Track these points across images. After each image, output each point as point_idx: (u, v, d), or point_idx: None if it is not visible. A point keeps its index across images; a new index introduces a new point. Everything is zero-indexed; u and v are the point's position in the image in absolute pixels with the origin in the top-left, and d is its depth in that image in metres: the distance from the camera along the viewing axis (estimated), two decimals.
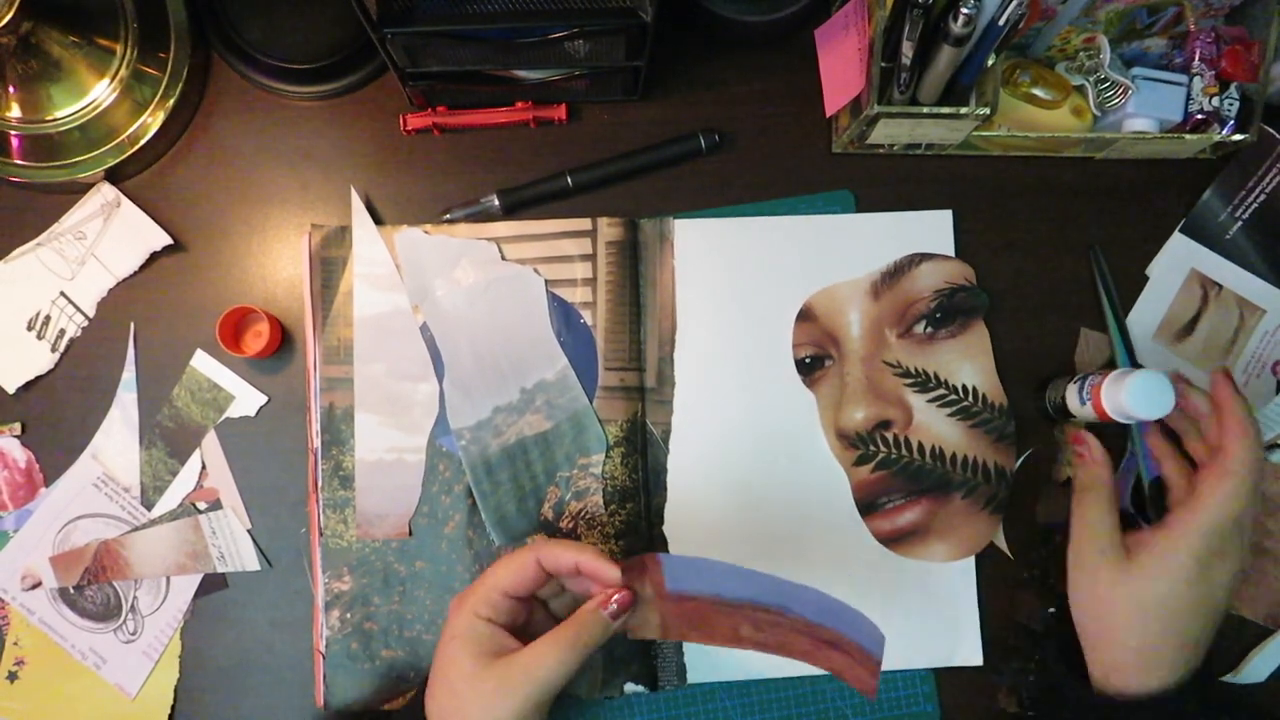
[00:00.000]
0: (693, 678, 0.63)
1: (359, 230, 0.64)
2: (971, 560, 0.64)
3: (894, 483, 0.64)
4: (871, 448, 0.64)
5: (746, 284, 0.66)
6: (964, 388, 0.65)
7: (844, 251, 0.66)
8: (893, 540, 0.64)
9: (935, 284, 0.66)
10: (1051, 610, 0.65)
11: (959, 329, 0.65)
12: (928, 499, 0.64)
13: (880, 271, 0.66)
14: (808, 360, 0.65)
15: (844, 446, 0.65)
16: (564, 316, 0.64)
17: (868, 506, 0.64)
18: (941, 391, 0.65)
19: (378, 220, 0.65)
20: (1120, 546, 0.55)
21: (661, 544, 0.64)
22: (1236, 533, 0.53)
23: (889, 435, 0.64)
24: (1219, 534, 0.52)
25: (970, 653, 0.64)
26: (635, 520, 0.63)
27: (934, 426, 0.65)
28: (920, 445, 0.64)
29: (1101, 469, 0.58)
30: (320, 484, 0.63)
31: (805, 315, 0.65)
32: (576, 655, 0.49)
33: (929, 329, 0.65)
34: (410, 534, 0.63)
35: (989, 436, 0.65)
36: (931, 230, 0.66)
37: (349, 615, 0.62)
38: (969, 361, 0.65)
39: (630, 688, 0.61)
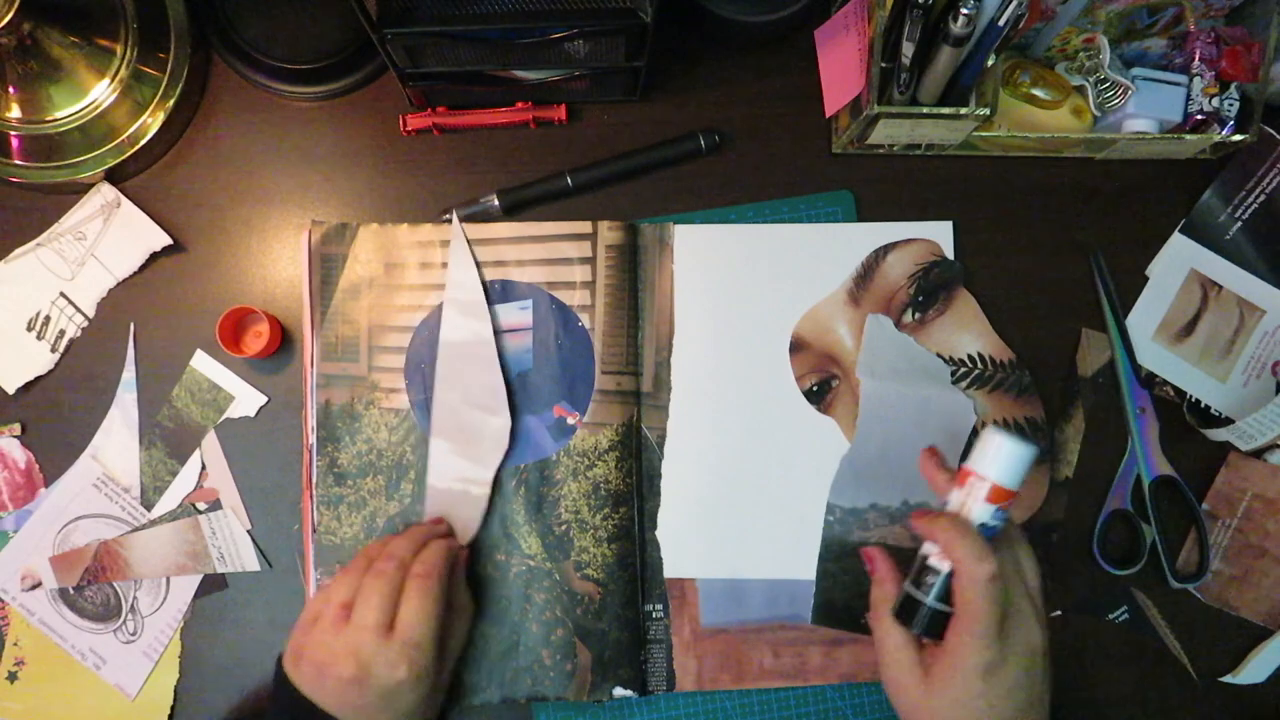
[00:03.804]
0: (681, 684, 0.63)
1: (456, 254, 0.64)
2: None
3: None
4: None
5: (746, 291, 0.66)
6: (970, 358, 0.65)
7: (845, 258, 0.66)
8: None
9: (907, 269, 0.66)
10: (1058, 613, 0.65)
11: (945, 304, 0.66)
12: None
13: (851, 278, 0.66)
14: (815, 388, 0.65)
15: None
16: (562, 319, 0.64)
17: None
18: (951, 369, 0.65)
19: (378, 220, 0.65)
20: (917, 666, 0.52)
21: (654, 549, 0.64)
22: (1016, 623, 0.51)
23: None
24: (991, 639, 0.50)
25: None
26: (628, 525, 0.63)
27: None
28: None
29: (890, 586, 0.56)
30: (314, 480, 0.63)
31: (797, 345, 0.65)
32: (435, 602, 0.54)
33: (917, 315, 0.66)
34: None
35: (1010, 394, 0.65)
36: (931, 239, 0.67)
37: None
38: (965, 331, 0.66)
39: (619, 692, 0.61)
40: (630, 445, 0.64)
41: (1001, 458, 0.50)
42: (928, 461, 0.56)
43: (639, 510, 0.64)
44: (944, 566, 0.51)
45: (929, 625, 0.51)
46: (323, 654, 0.53)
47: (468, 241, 0.64)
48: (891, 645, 0.53)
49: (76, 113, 0.64)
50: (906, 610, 0.52)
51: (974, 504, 0.51)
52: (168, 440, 0.65)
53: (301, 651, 0.54)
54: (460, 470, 0.63)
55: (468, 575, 0.61)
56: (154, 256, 0.65)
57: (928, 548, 0.52)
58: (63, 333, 0.65)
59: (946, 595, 0.51)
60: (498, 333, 0.64)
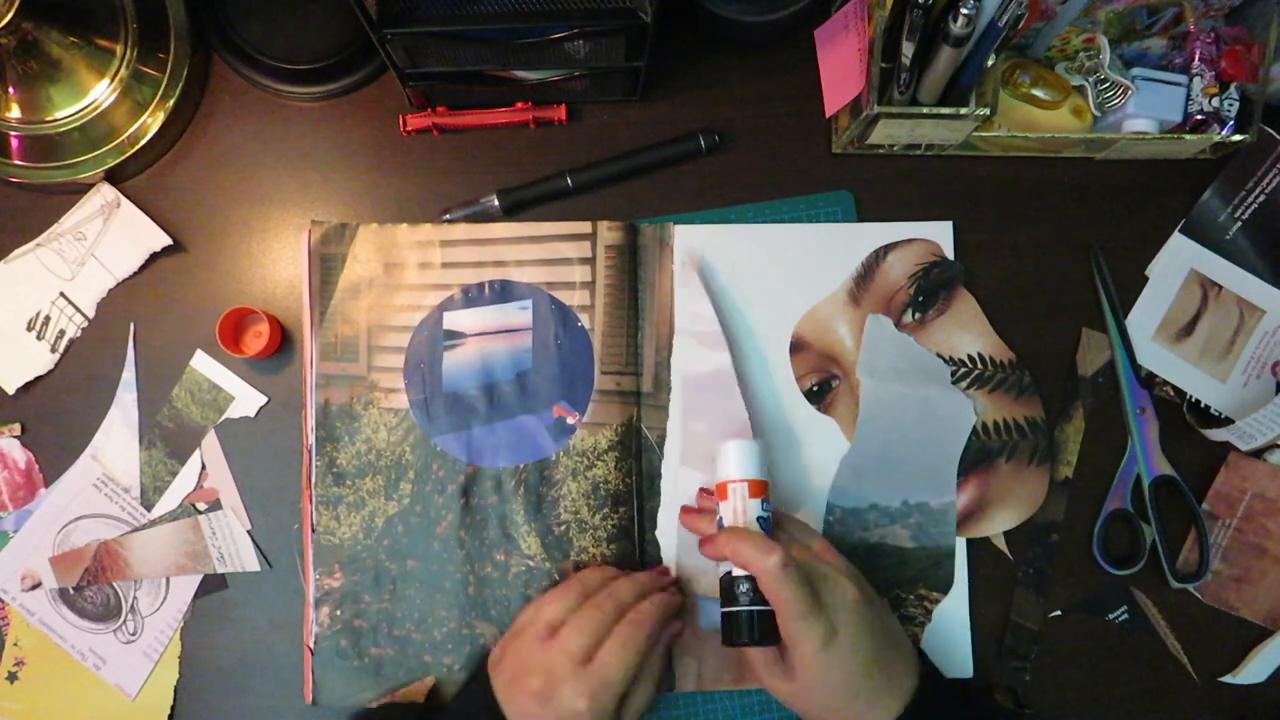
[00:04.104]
0: (681, 684, 0.63)
1: (687, 285, 0.64)
2: (964, 574, 0.64)
3: None
4: None
5: (747, 291, 0.66)
6: (970, 358, 0.65)
7: (845, 259, 0.66)
8: (957, 526, 0.64)
9: (907, 269, 0.66)
10: (1057, 613, 0.65)
11: (945, 304, 0.66)
12: (975, 475, 0.65)
13: (852, 278, 0.66)
14: (815, 388, 0.65)
15: None
16: (561, 319, 0.64)
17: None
18: (951, 369, 0.65)
19: (378, 220, 0.65)
20: (778, 667, 0.55)
21: (654, 549, 0.64)
22: (826, 589, 0.54)
23: None
24: (811, 616, 0.52)
25: (961, 666, 0.64)
26: (627, 525, 0.63)
27: None
28: None
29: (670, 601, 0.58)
30: (313, 480, 0.63)
31: (797, 345, 0.65)
32: (638, 653, 0.54)
33: (917, 315, 0.66)
34: None
35: (1010, 394, 0.65)
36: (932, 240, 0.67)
37: (339, 612, 0.62)
38: (965, 331, 0.66)
39: None
40: (630, 445, 0.64)
41: (741, 457, 0.57)
42: (686, 517, 0.62)
43: (639, 510, 0.64)
44: (743, 573, 0.54)
45: (759, 630, 0.54)
46: (520, 663, 0.55)
47: (699, 274, 0.64)
48: (753, 662, 0.56)
49: (76, 113, 0.64)
50: (734, 629, 0.55)
51: (743, 505, 0.56)
52: (168, 440, 0.65)
53: (504, 656, 0.57)
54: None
55: (669, 650, 0.61)
56: (154, 256, 0.65)
57: (722, 566, 0.56)
58: (63, 333, 0.65)
59: (760, 597, 0.54)
60: (497, 333, 0.64)
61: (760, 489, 0.56)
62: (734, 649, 0.57)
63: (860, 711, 0.54)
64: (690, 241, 0.65)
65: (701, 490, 0.63)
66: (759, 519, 0.56)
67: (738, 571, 0.55)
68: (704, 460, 0.63)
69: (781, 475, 0.64)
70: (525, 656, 0.55)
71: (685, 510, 0.63)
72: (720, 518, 0.57)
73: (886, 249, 0.66)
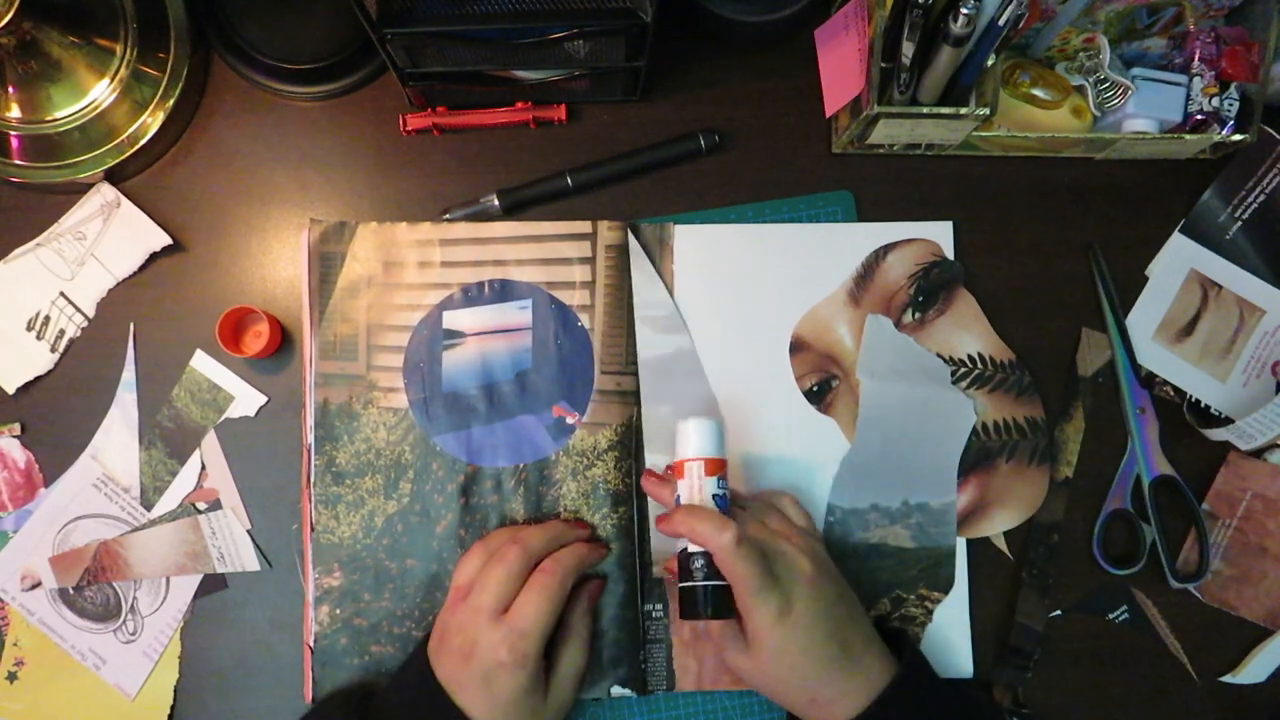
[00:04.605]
0: (681, 684, 0.63)
1: (638, 274, 0.64)
2: (964, 574, 0.64)
3: None
4: None
5: (748, 290, 0.66)
6: (970, 358, 0.65)
7: (844, 259, 0.66)
8: (957, 527, 0.64)
9: (907, 269, 0.66)
10: (1058, 613, 0.65)
11: (945, 304, 0.66)
12: (976, 475, 0.65)
13: (852, 278, 0.66)
14: (815, 388, 0.65)
15: None
16: (561, 319, 0.64)
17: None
18: (951, 369, 0.65)
19: (378, 220, 0.65)
20: (739, 640, 0.56)
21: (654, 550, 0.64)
22: (782, 565, 0.55)
23: None
24: (766, 590, 0.53)
25: (961, 666, 0.64)
26: (627, 525, 0.63)
27: None
28: None
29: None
30: (312, 479, 0.63)
31: (797, 346, 0.65)
32: (551, 600, 0.56)
33: (917, 315, 0.66)
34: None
35: (1010, 394, 0.65)
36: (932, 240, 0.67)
37: (339, 611, 0.62)
38: (965, 331, 0.66)
39: (617, 691, 0.61)
40: (630, 445, 0.64)
41: (699, 435, 0.57)
42: (647, 481, 0.62)
43: (638, 510, 0.64)
44: (699, 549, 0.55)
45: (715, 604, 0.55)
46: (442, 628, 0.57)
47: (646, 255, 0.64)
48: (716, 636, 0.57)
49: (76, 113, 0.64)
50: (690, 603, 0.55)
51: (699, 483, 0.56)
52: (168, 440, 0.65)
53: (439, 623, 0.58)
54: None
55: (593, 609, 0.62)
56: (154, 256, 0.65)
57: (680, 543, 0.57)
58: (62, 333, 0.65)
59: (716, 572, 0.55)
60: (496, 332, 0.64)
61: (716, 467, 0.57)
62: (694, 623, 0.58)
63: (818, 689, 0.54)
64: (682, 240, 0.65)
65: (649, 471, 0.63)
66: (714, 496, 0.56)
67: (693, 548, 0.55)
68: (670, 445, 0.63)
69: (780, 476, 0.64)
70: (444, 620, 0.57)
71: (648, 475, 0.62)
72: (678, 495, 0.57)
73: (886, 249, 0.66)
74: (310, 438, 0.63)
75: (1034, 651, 0.64)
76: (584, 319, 0.65)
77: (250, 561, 0.64)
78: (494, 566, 0.57)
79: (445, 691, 0.54)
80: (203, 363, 0.65)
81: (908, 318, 0.66)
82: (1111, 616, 0.65)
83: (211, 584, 0.64)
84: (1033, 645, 0.64)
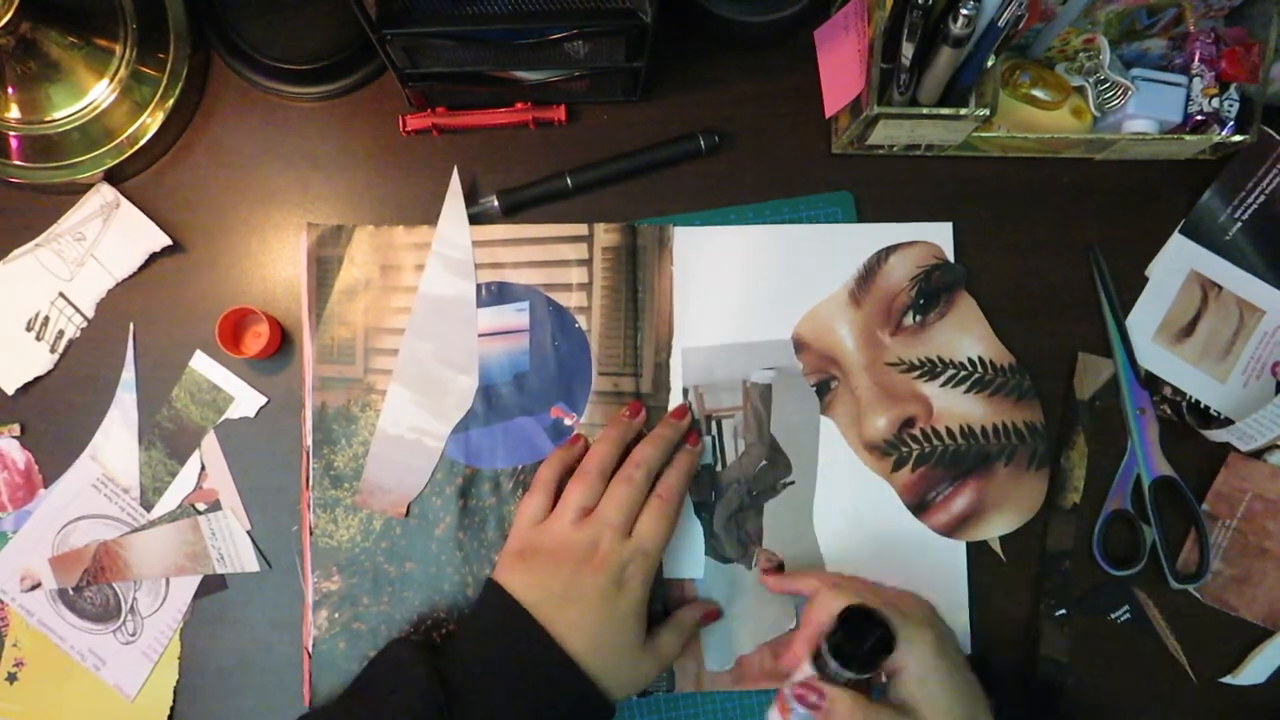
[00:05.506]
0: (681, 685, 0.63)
1: (449, 209, 0.64)
2: (964, 575, 0.64)
3: (937, 475, 0.64)
4: (904, 449, 0.65)
5: (747, 291, 0.66)
6: (970, 361, 0.65)
7: (844, 259, 0.66)
8: (954, 529, 0.64)
9: (909, 272, 0.66)
10: (1061, 613, 0.65)
11: (946, 307, 0.66)
12: (974, 479, 0.65)
13: (854, 279, 0.66)
14: (815, 388, 0.65)
15: (877, 457, 0.65)
16: (558, 321, 0.64)
17: (919, 506, 0.65)
18: (951, 372, 0.65)
19: (378, 220, 0.65)
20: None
21: None
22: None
23: (916, 432, 0.65)
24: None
25: None
26: None
27: (956, 408, 0.65)
28: (949, 430, 0.65)
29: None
30: (311, 482, 0.63)
31: (797, 346, 0.65)
32: (670, 525, 0.58)
33: (918, 317, 0.66)
34: (407, 515, 0.63)
35: (1010, 399, 0.65)
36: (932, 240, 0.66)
37: (337, 615, 0.62)
38: (966, 334, 0.66)
39: None
40: (629, 446, 0.64)
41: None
42: (774, 580, 0.62)
43: None
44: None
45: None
46: (555, 542, 0.57)
47: (464, 199, 0.64)
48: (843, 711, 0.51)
49: (76, 113, 0.64)
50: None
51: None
52: (167, 441, 0.65)
53: (528, 546, 0.57)
54: (417, 420, 0.63)
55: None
56: (153, 257, 0.65)
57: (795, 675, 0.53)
58: (62, 333, 0.65)
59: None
60: (494, 335, 0.64)
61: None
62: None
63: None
64: (681, 241, 0.65)
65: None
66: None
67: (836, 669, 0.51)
68: (420, 383, 0.63)
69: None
70: (565, 535, 0.57)
71: (767, 574, 0.63)
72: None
73: (888, 251, 0.66)
74: (308, 441, 0.63)
75: (1066, 683, 0.63)
76: (581, 320, 0.65)
77: (250, 562, 0.64)
78: (623, 488, 0.58)
79: (533, 617, 0.54)
80: (202, 363, 0.65)
81: (908, 320, 0.66)
82: (1112, 616, 0.65)
83: (211, 585, 0.64)
84: (1064, 677, 0.63)
